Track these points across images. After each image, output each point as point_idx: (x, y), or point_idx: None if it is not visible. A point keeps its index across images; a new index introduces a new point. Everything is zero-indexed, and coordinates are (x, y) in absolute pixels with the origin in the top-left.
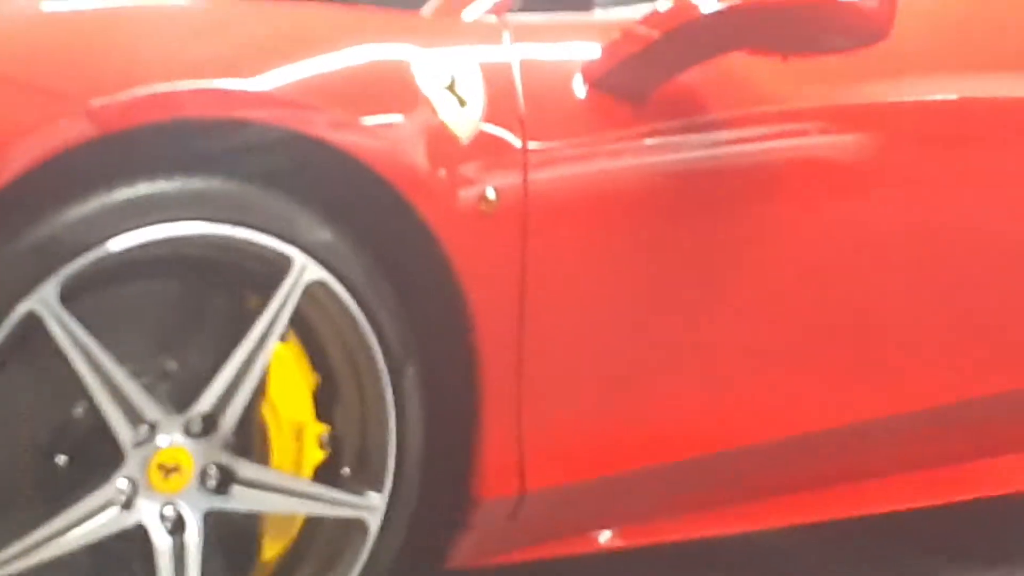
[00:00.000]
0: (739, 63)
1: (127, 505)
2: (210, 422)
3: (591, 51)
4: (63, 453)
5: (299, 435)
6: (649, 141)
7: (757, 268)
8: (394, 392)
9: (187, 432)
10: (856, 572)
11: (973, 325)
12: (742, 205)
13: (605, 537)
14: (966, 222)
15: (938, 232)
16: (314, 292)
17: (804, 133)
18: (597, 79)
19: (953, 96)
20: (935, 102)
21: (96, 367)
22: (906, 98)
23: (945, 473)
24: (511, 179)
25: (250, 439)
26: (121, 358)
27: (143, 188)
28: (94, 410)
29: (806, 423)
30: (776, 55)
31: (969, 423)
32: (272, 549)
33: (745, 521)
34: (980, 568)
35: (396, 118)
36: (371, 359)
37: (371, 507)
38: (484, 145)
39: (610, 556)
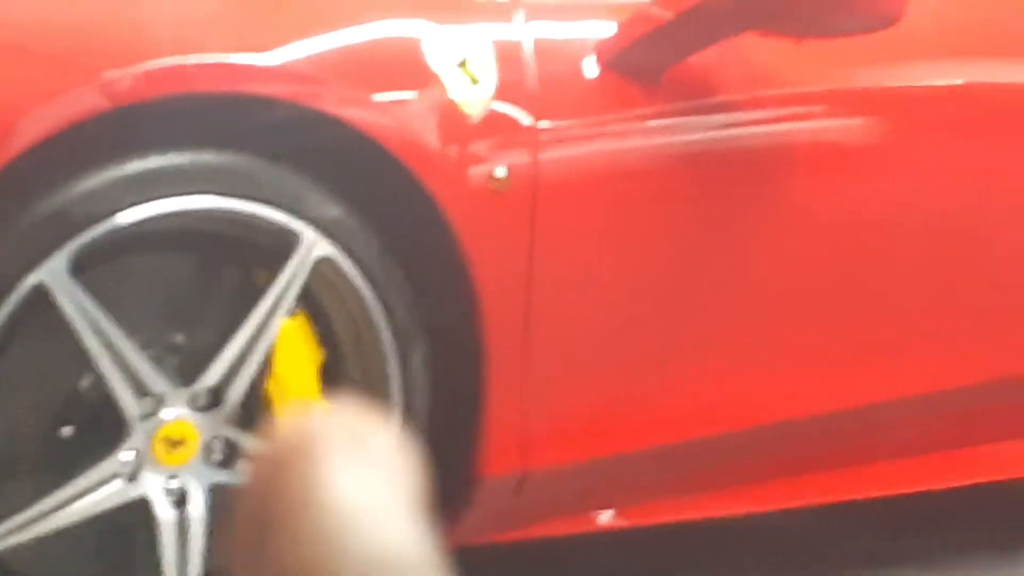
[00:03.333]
0: (752, 45)
1: (132, 477)
2: (216, 396)
3: (604, 31)
4: (69, 425)
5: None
6: (660, 122)
7: (765, 250)
8: (400, 368)
9: (193, 406)
10: (857, 554)
11: (980, 310)
12: (752, 187)
13: (607, 517)
14: (974, 207)
15: (946, 217)
16: (322, 268)
17: (815, 116)
18: (610, 59)
19: (960, 81)
20: (944, 87)
21: (104, 340)
22: (916, 83)
23: (948, 457)
24: (521, 158)
25: (256, 414)
26: (129, 331)
27: (154, 161)
28: (101, 382)
29: (811, 405)
30: (789, 38)
31: (974, 406)
32: None
33: (747, 502)
34: (982, 552)
35: (407, 95)
36: (377, 335)
37: None
38: (495, 124)
39: (612, 536)
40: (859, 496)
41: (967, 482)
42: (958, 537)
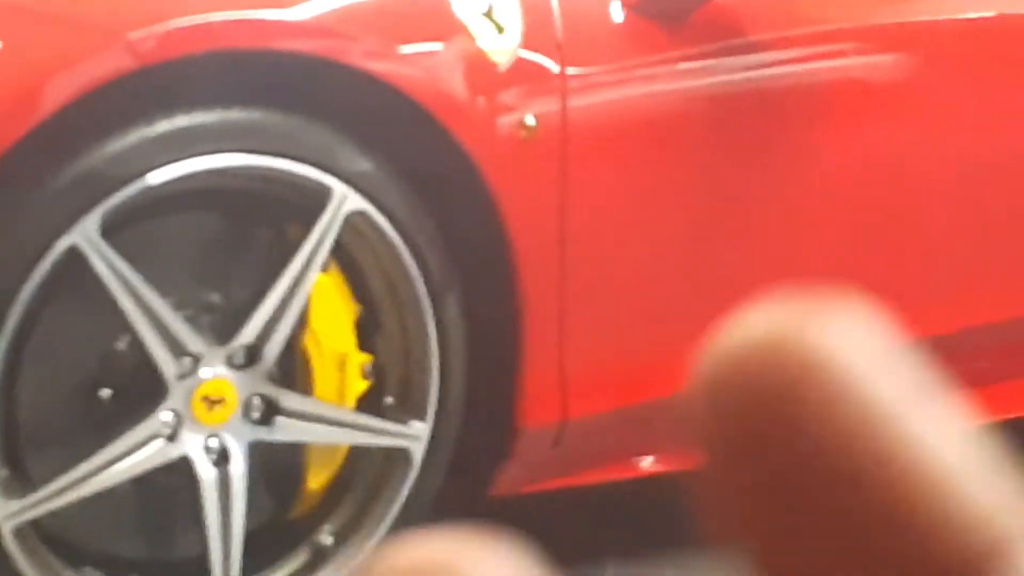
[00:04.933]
0: None
1: (172, 438)
2: (253, 353)
3: None
4: (107, 387)
5: (342, 365)
6: (687, 65)
7: (797, 191)
8: (436, 321)
9: (230, 364)
10: None
11: (1014, 248)
12: (781, 128)
13: (647, 462)
14: (1006, 143)
15: (979, 153)
16: (354, 222)
17: (843, 54)
18: (635, 3)
19: (991, 13)
20: (974, 19)
21: (139, 300)
22: (945, 16)
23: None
24: (550, 105)
25: (293, 370)
26: (163, 291)
27: (182, 120)
28: (137, 343)
29: None
30: None
31: (1009, 343)
32: (317, 479)
33: None
34: None
35: (434, 46)
36: (412, 288)
37: (415, 436)
38: (522, 72)
39: (649, 482)
40: None
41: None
42: None
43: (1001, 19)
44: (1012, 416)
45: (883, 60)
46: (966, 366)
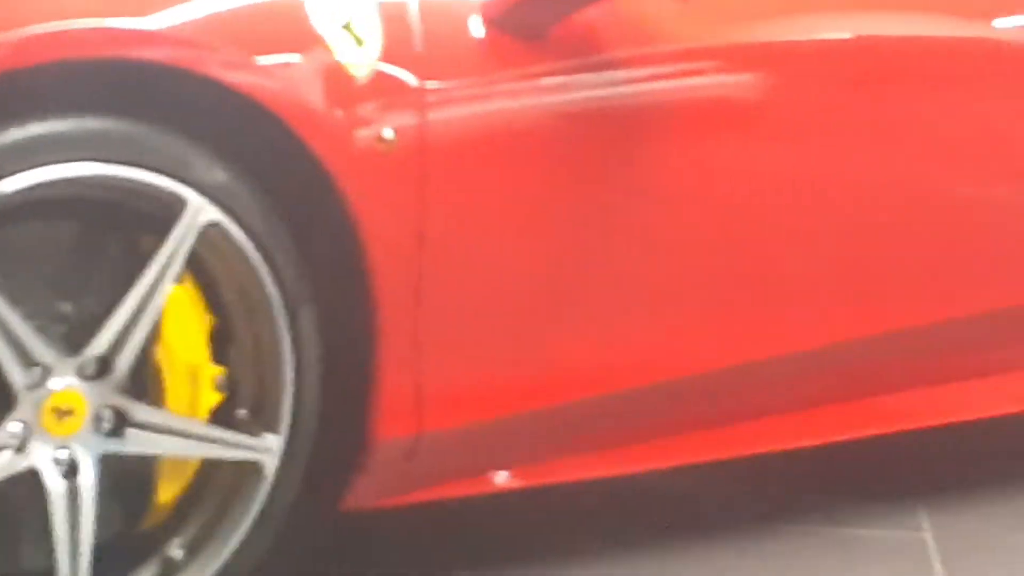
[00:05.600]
0: (638, 1)
1: (20, 448)
2: (104, 364)
3: None
4: None
5: (194, 377)
6: (547, 80)
7: (656, 208)
8: (290, 333)
9: (81, 375)
10: (756, 510)
11: (865, 265)
12: (641, 144)
13: (502, 478)
14: (865, 163)
15: (835, 173)
16: (209, 233)
17: (702, 72)
18: (495, 18)
19: (848, 35)
20: (833, 41)
21: None
22: (804, 37)
23: (846, 409)
24: (409, 119)
25: (145, 381)
26: (14, 300)
27: (35, 128)
28: None
29: (707, 362)
30: None
31: (865, 361)
32: (168, 492)
33: (644, 460)
34: (881, 505)
35: (291, 58)
36: (267, 300)
37: (268, 449)
38: (381, 85)
39: (507, 497)
40: (758, 451)
41: (867, 434)
42: (853, 492)
43: (857, 40)
44: (871, 433)
45: (741, 79)
46: (823, 382)
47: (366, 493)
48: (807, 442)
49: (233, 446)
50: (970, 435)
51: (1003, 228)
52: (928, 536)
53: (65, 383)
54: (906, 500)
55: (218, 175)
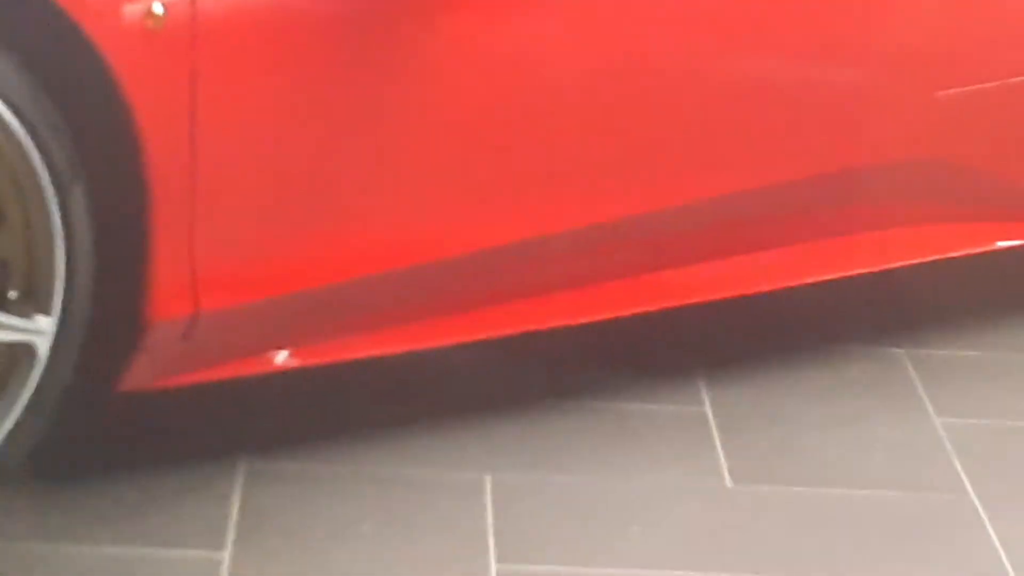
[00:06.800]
0: None
1: None
2: None
3: None
4: None
5: None
6: None
7: (431, 87)
8: (61, 213)
9: None
10: (539, 386)
11: (644, 139)
12: (421, 17)
13: (281, 357)
14: (632, 43)
15: (607, 52)
16: None
17: None
18: None
19: None
20: None
21: None
22: None
23: (630, 285)
24: None
25: None
26: None
27: None
28: None
29: (482, 240)
30: None
31: (636, 238)
32: None
33: (424, 339)
34: (662, 380)
35: None
36: (36, 180)
37: (40, 331)
38: None
39: (285, 376)
40: (535, 327)
41: (649, 309)
42: (637, 365)
43: None
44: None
45: None
46: (592, 259)
47: (143, 374)
48: (590, 317)
49: (4, 328)
50: (748, 309)
51: (786, 99)
52: (708, 410)
53: None
54: (686, 375)
55: None
